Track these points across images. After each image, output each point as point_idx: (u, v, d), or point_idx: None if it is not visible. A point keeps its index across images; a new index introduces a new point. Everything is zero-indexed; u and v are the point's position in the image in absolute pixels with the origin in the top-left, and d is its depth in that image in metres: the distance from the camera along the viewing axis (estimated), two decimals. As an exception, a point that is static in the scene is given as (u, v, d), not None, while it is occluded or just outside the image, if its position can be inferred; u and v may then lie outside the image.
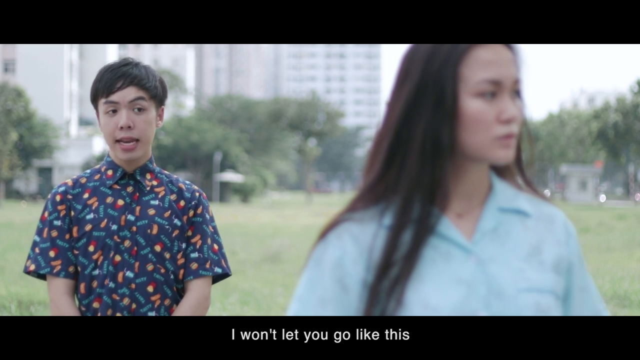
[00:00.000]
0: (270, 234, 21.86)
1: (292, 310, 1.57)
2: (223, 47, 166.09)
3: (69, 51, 73.19)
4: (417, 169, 1.54)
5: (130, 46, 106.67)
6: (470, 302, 1.54)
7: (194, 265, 2.79)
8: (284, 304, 9.80)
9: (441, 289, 1.56)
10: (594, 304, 1.66)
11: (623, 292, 10.57)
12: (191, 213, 2.82)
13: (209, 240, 2.83)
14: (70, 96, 72.82)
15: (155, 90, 2.76)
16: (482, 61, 1.54)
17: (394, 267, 1.54)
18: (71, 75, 73.72)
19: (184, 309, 2.76)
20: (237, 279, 12.10)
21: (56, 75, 72.17)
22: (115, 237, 2.72)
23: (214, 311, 8.98)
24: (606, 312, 1.68)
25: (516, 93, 1.57)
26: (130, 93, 2.71)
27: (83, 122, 78.90)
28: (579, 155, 67.53)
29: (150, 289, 2.73)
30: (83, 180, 2.81)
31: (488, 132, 1.53)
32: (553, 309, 1.58)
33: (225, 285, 11.02)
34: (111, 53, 79.39)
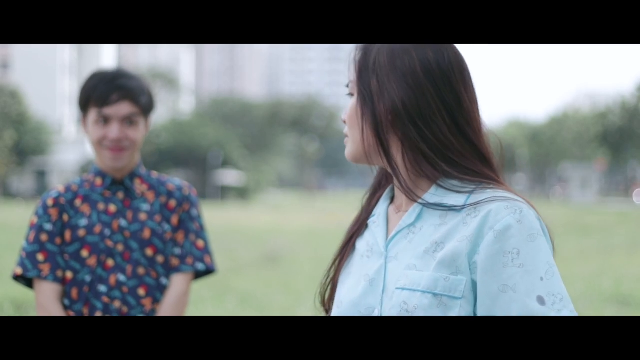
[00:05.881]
0: (270, 234, 21.84)
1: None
2: (223, 46, 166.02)
3: (67, 50, 73.06)
4: None
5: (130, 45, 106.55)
6: (368, 300, 1.55)
7: (176, 261, 2.80)
8: (283, 304, 9.79)
9: (352, 286, 1.61)
10: (524, 303, 1.41)
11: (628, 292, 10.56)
12: (180, 211, 2.84)
13: (192, 237, 2.83)
14: (69, 95, 72.69)
15: (147, 105, 2.81)
16: None
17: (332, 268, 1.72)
18: (70, 74, 73.62)
19: (164, 309, 2.76)
20: (236, 279, 12.09)
21: (53, 74, 72.03)
22: (108, 241, 2.73)
23: (212, 311, 8.98)
24: (545, 311, 1.41)
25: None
26: (124, 108, 2.75)
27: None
28: (581, 153, 67.11)
29: (141, 292, 2.74)
30: (74, 188, 2.81)
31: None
32: (427, 309, 1.47)
33: (224, 285, 11.02)
34: (110, 52, 79.29)
